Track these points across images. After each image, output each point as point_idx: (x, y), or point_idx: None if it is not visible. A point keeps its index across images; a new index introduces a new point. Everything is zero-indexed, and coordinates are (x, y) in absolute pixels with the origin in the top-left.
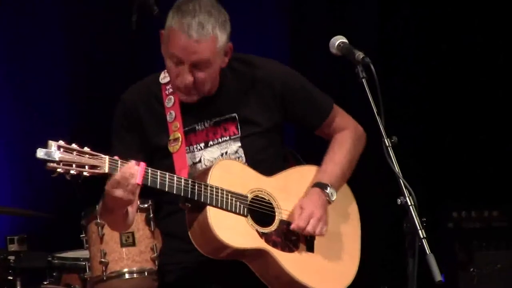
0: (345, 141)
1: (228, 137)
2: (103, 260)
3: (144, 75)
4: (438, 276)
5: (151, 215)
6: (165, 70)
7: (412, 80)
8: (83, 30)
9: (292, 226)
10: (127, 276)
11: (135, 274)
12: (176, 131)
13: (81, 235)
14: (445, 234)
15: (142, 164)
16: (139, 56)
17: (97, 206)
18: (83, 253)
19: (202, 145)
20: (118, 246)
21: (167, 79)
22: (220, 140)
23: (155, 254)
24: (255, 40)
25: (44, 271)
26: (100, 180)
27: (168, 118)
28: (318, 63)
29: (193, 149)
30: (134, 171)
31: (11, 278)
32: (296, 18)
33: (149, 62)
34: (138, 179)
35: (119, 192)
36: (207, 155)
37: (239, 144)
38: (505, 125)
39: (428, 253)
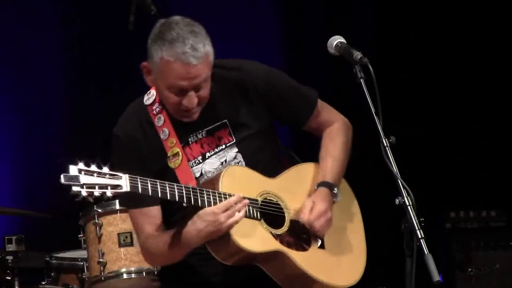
0: (337, 134)
1: (224, 146)
2: (101, 260)
3: (141, 75)
4: (436, 276)
5: None
6: (148, 93)
7: (409, 80)
8: (81, 30)
9: (302, 217)
10: (125, 276)
11: (133, 274)
12: (174, 146)
13: (79, 235)
14: (443, 234)
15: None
16: (136, 57)
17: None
18: (81, 253)
19: (200, 158)
20: (116, 246)
21: (151, 100)
22: (216, 150)
23: None
24: (248, 44)
25: (42, 271)
26: None
27: (162, 137)
28: (312, 64)
29: (192, 164)
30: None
31: (9, 278)
32: (290, 21)
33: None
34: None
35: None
36: (207, 167)
37: (236, 149)
38: (503, 125)
39: (426, 253)
